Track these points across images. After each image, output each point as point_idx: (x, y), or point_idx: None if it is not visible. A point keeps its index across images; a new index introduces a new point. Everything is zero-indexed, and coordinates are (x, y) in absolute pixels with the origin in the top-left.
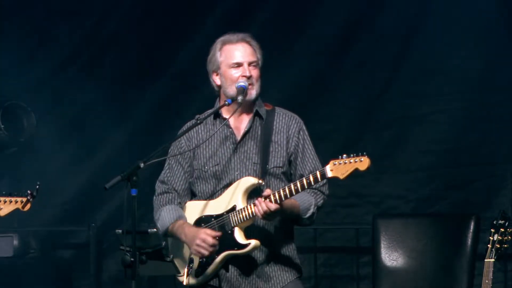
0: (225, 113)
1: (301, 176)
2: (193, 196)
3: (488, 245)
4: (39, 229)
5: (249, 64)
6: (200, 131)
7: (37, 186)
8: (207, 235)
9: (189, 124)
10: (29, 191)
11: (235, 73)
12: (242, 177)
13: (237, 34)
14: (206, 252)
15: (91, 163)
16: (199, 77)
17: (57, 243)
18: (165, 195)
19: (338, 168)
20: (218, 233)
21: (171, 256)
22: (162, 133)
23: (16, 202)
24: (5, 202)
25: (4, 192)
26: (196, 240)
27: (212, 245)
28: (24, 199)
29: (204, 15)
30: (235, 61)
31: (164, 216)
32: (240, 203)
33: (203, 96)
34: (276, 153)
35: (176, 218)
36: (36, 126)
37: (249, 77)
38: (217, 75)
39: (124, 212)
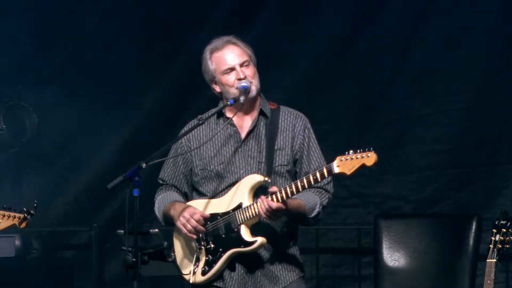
0: (228, 112)
1: (307, 174)
2: (198, 195)
3: (490, 246)
4: (41, 229)
5: (241, 65)
6: (201, 130)
7: (35, 205)
8: (196, 211)
9: (190, 124)
10: (24, 209)
11: (230, 78)
12: (248, 175)
13: (222, 38)
14: (189, 226)
15: (93, 164)
16: (200, 78)
17: (59, 243)
18: (163, 188)
19: (344, 164)
20: (207, 214)
21: (173, 256)
22: (164, 134)
23: (14, 218)
24: (3, 216)
25: (5, 206)
26: (184, 212)
27: (198, 221)
28: (22, 216)
29: (205, 16)
30: (226, 67)
31: (160, 203)
32: (246, 201)
33: (205, 96)
34: (281, 151)
35: (170, 201)
36: (38, 127)
37: (244, 78)
38: (215, 83)
39: (126, 212)
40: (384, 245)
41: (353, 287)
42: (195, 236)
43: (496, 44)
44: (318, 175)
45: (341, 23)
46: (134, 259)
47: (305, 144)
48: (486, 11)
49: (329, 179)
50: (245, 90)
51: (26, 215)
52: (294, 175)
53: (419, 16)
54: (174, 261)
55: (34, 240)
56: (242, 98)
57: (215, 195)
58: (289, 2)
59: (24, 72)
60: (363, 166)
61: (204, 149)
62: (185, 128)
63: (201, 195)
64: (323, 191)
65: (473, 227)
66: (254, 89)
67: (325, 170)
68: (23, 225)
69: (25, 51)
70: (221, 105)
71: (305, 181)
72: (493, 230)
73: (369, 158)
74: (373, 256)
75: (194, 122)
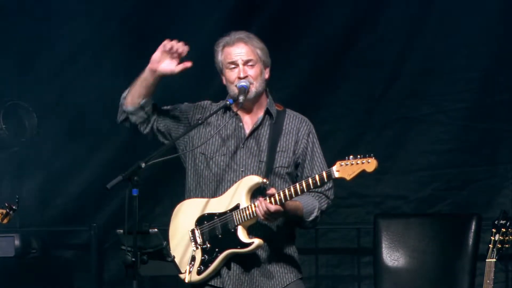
0: (234, 106)
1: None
2: (195, 187)
3: (490, 245)
4: (40, 229)
5: (245, 63)
6: (212, 116)
7: (17, 200)
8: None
9: (205, 104)
10: (6, 204)
11: (232, 74)
12: (247, 174)
13: (236, 34)
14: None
15: (92, 163)
16: (200, 77)
17: (58, 243)
18: None
19: (345, 169)
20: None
21: (172, 256)
22: None
23: None
24: None
25: None
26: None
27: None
28: (4, 212)
29: (205, 15)
30: (230, 61)
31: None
32: (244, 202)
33: (206, 96)
34: (283, 153)
35: None
36: (37, 126)
37: (245, 77)
38: (222, 75)
39: (125, 212)
40: (383, 245)
41: (352, 287)
42: (184, 50)
43: (496, 44)
44: (317, 178)
45: (341, 23)
46: (133, 259)
47: (309, 149)
48: (486, 11)
49: (330, 185)
50: (244, 90)
51: (8, 210)
52: (295, 178)
53: (419, 16)
54: (173, 261)
55: (34, 240)
56: (241, 98)
57: (212, 191)
58: (289, 2)
59: (24, 72)
60: (363, 172)
61: (211, 141)
62: (203, 104)
63: (199, 188)
64: (323, 196)
65: (473, 226)
66: (253, 91)
67: (324, 175)
68: (6, 220)
69: (25, 51)
70: (227, 98)
71: (304, 184)
72: (493, 230)
73: (370, 164)
74: (372, 256)
75: (207, 103)
